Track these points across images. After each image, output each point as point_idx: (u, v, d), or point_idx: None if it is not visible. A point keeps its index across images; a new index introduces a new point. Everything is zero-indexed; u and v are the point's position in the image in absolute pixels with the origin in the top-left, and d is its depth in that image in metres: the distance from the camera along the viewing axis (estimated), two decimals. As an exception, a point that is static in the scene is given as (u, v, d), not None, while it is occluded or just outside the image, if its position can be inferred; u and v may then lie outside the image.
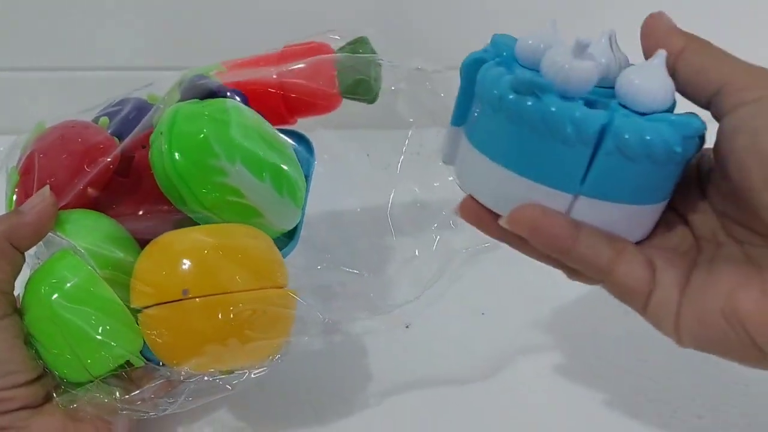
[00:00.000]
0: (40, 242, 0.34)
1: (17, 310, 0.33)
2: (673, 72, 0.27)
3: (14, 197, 0.37)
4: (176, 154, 0.34)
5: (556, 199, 0.27)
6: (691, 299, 0.27)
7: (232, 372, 0.34)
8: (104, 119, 0.40)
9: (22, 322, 0.33)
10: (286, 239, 0.38)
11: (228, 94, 0.38)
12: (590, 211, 0.27)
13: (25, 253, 0.34)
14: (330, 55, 0.43)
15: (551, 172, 0.27)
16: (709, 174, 0.30)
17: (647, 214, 0.28)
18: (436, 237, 0.44)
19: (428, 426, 0.39)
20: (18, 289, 0.34)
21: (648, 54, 0.28)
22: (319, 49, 0.43)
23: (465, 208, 0.30)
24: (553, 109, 0.25)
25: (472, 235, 0.42)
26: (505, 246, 0.30)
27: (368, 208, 0.51)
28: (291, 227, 0.38)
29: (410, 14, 0.62)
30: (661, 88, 0.26)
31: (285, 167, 0.37)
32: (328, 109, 0.44)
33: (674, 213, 0.30)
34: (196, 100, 0.37)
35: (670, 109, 0.28)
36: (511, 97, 0.26)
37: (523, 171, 0.27)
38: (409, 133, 0.45)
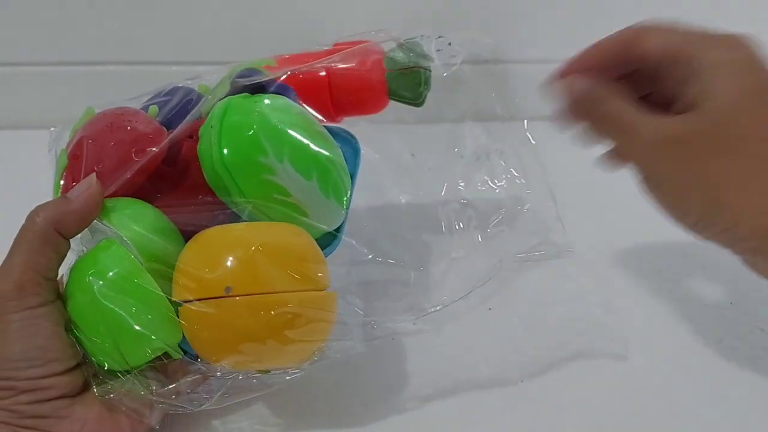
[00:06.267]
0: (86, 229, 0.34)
1: (60, 297, 0.33)
2: None
3: (61, 181, 0.37)
4: (225, 149, 0.34)
5: None
6: None
7: (268, 371, 0.34)
8: (154, 108, 0.39)
9: (65, 308, 0.33)
10: (329, 238, 0.38)
11: (278, 89, 0.38)
12: None
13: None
14: (380, 56, 0.42)
15: None
16: None
17: None
18: (486, 237, 0.43)
19: (434, 418, 0.39)
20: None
21: None
22: (369, 49, 0.43)
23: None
24: None
25: (526, 239, 0.42)
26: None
27: (414, 204, 0.50)
28: (334, 227, 0.38)
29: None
30: None
31: (332, 168, 0.36)
32: (374, 110, 0.44)
33: None
34: (246, 94, 0.37)
35: None
36: None
37: None
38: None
